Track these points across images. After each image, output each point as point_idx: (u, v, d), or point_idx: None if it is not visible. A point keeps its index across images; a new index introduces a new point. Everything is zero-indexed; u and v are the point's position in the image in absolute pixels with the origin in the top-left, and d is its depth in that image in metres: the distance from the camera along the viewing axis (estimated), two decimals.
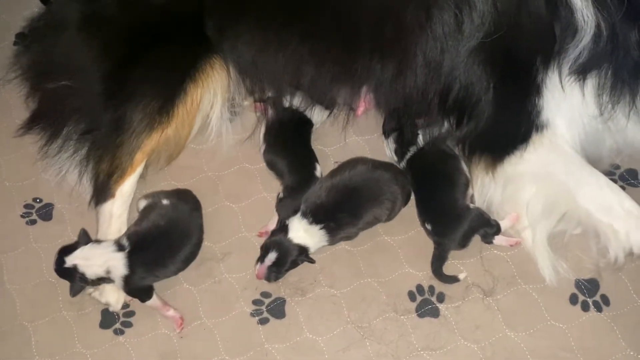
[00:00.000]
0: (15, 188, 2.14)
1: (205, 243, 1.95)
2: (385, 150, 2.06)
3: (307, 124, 2.11)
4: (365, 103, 2.11)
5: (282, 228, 1.88)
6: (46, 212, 2.08)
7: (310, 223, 1.86)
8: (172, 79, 2.00)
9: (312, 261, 1.88)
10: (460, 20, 1.85)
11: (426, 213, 1.89)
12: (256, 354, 1.80)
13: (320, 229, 1.87)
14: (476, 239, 1.87)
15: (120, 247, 1.85)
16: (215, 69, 2.05)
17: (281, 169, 2.03)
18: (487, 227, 1.85)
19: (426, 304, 1.83)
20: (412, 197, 1.95)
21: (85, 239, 1.88)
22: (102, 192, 1.96)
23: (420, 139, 2.00)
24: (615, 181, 1.92)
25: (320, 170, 2.01)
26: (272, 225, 1.96)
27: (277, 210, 1.98)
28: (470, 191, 1.90)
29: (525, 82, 1.84)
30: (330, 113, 2.13)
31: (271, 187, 2.05)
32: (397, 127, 2.03)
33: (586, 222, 1.81)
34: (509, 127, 1.88)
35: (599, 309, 1.77)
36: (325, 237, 1.88)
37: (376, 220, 1.93)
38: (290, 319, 1.84)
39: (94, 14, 2.05)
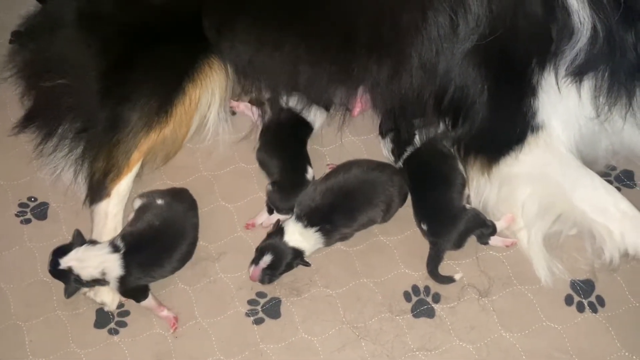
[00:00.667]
0: (9, 187, 2.13)
1: (201, 243, 1.95)
2: (381, 151, 2.06)
3: (305, 127, 2.11)
4: (361, 103, 2.12)
5: (278, 231, 1.88)
6: (41, 211, 2.08)
7: (306, 226, 1.86)
8: (170, 78, 2.00)
9: (307, 264, 1.88)
10: (455, 23, 1.86)
11: (422, 213, 1.89)
12: (251, 354, 1.79)
13: (316, 231, 1.87)
14: (472, 239, 1.87)
15: (115, 248, 1.85)
16: (214, 69, 2.05)
17: (272, 169, 2.02)
18: (483, 227, 1.85)
19: (422, 305, 1.83)
20: (408, 197, 1.96)
21: (79, 240, 1.87)
22: (97, 191, 1.96)
23: (417, 139, 2.00)
24: (611, 182, 1.93)
25: (312, 173, 2.01)
26: (261, 218, 1.97)
27: (267, 202, 1.97)
28: (467, 191, 1.91)
29: (521, 84, 1.85)
30: (327, 114, 2.13)
31: None
32: (394, 127, 2.03)
33: (581, 223, 1.81)
34: (505, 128, 1.88)
35: (594, 310, 1.78)
36: (321, 240, 1.88)
37: (371, 222, 1.93)
38: (286, 319, 1.84)
39: (91, 13, 2.06)
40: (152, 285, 1.88)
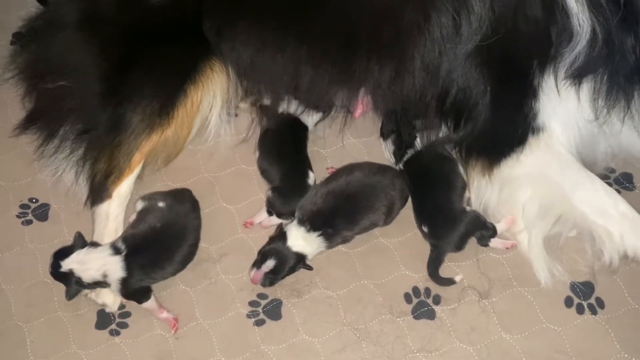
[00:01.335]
0: (11, 188, 2.13)
1: (202, 244, 1.95)
2: (382, 153, 2.07)
3: (303, 129, 2.10)
4: (362, 105, 2.12)
5: (281, 235, 1.87)
6: (42, 213, 2.08)
7: (308, 231, 1.86)
8: (172, 80, 2.00)
9: (310, 268, 1.88)
10: (458, 24, 1.86)
11: (423, 215, 1.90)
12: (252, 355, 1.79)
13: (318, 236, 1.87)
14: (472, 241, 1.88)
15: (116, 250, 1.84)
16: (215, 70, 2.05)
17: (273, 176, 2.02)
18: (483, 229, 1.86)
19: (422, 306, 1.83)
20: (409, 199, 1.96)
21: (81, 242, 1.87)
22: (99, 193, 1.96)
23: (418, 142, 2.00)
24: (610, 185, 1.93)
25: (313, 178, 2.01)
26: (259, 217, 1.97)
27: (266, 206, 1.97)
28: (467, 194, 1.91)
29: (522, 86, 1.85)
30: (323, 114, 2.13)
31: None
32: (395, 129, 2.03)
33: (581, 224, 1.82)
34: (506, 129, 1.89)
35: (593, 311, 1.78)
36: (323, 244, 1.88)
37: (373, 225, 1.93)
38: (287, 320, 1.84)
39: (93, 14, 2.06)
40: (153, 287, 1.87)
